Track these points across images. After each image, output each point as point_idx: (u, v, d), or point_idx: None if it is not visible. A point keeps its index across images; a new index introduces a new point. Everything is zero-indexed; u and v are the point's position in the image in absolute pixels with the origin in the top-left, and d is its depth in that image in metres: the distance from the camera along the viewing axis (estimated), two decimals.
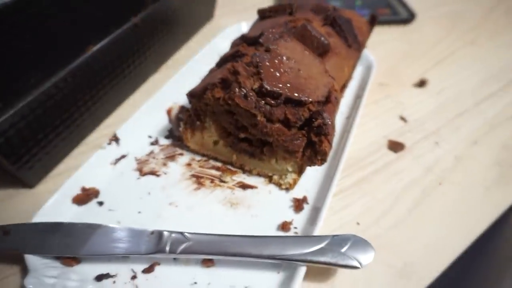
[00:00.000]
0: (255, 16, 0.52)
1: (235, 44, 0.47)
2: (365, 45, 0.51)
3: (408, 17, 0.72)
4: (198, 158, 0.45)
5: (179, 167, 0.44)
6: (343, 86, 0.45)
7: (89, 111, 0.45)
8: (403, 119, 0.53)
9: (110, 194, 0.41)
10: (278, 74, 0.38)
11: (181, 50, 0.64)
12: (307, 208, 0.40)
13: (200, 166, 0.44)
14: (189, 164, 0.45)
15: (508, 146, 0.51)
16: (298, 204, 0.40)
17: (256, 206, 0.40)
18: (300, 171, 0.41)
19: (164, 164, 0.44)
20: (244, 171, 0.44)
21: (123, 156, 0.44)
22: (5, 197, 0.41)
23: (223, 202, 0.41)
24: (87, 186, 0.40)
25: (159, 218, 0.39)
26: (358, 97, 0.53)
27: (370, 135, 0.51)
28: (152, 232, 0.34)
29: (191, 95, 0.40)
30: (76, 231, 0.35)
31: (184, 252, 0.33)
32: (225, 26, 0.63)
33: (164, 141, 0.47)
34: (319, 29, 0.45)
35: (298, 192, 0.42)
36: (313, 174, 0.43)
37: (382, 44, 0.68)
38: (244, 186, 0.42)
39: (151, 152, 0.45)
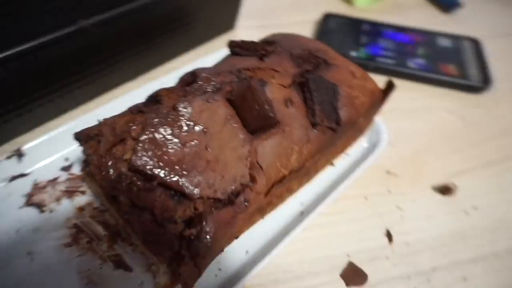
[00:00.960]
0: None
1: (181, 80, 0.37)
2: (354, 123, 0.36)
3: (478, 85, 0.53)
4: (97, 204, 0.38)
5: (69, 209, 0.37)
6: (281, 183, 0.31)
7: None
8: (389, 236, 0.38)
9: None
10: (164, 148, 0.27)
11: (183, 56, 0.56)
12: None
13: (91, 216, 0.36)
14: (81, 209, 0.37)
15: None
16: None
17: None
18: (174, 281, 0.30)
19: (57, 200, 0.37)
20: (130, 244, 0.35)
21: (22, 175, 0.38)
22: None
23: (82, 275, 0.32)
24: None
25: (6, 267, 0.32)
26: (336, 182, 0.39)
27: (329, 246, 0.37)
28: None
29: (77, 136, 0.32)
30: None
31: None
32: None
33: (77, 170, 0.40)
34: (279, 91, 0.33)
35: None
36: None
37: (421, 112, 0.51)
38: (118, 263, 0.33)
39: (55, 179, 0.39)
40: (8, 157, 0.38)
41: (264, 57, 0.36)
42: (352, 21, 0.63)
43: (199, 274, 0.27)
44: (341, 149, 0.40)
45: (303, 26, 0.63)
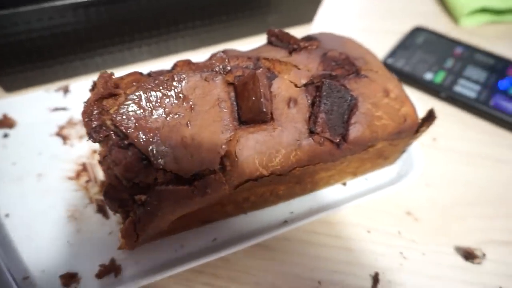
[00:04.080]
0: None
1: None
2: (368, 145, 0.32)
3: None
4: None
5: (85, 148, 0.40)
6: (257, 181, 0.29)
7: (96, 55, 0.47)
8: (375, 280, 0.33)
9: (20, 133, 0.41)
10: (147, 112, 0.28)
11: (252, 38, 0.56)
12: None
13: (99, 160, 0.39)
14: (94, 152, 0.40)
15: None
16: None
17: (80, 238, 0.34)
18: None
19: (80, 138, 0.41)
20: None
21: (62, 109, 0.43)
22: None
23: (70, 207, 0.36)
24: (9, 115, 0.41)
25: (17, 181, 0.37)
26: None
27: (304, 266, 0.34)
28: None
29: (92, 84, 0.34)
30: None
31: None
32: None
33: None
34: (287, 89, 0.30)
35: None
36: None
37: (479, 158, 0.42)
38: (100, 208, 0.36)
39: None
40: (57, 90, 0.43)
41: (293, 52, 0.34)
42: (444, 40, 0.55)
43: (137, 239, 0.27)
44: (353, 170, 0.36)
45: (389, 35, 0.57)
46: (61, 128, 0.42)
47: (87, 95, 0.43)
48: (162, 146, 0.27)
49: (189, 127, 0.28)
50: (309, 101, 0.31)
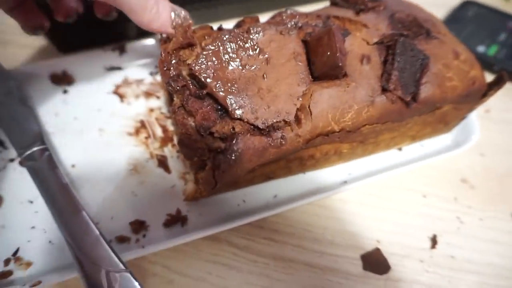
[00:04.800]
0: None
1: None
2: (436, 106, 0.32)
3: None
4: (164, 110, 0.41)
5: (142, 107, 0.41)
6: (327, 137, 0.29)
7: None
8: (434, 241, 0.34)
9: (78, 90, 0.41)
10: (224, 63, 0.28)
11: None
12: None
13: (156, 118, 0.40)
14: (151, 110, 0.41)
15: None
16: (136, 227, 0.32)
17: (144, 190, 0.35)
18: (196, 190, 0.31)
19: (137, 96, 0.42)
20: (177, 151, 0.37)
21: (117, 68, 0.44)
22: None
23: (131, 161, 0.36)
24: (69, 72, 0.42)
25: (80, 134, 0.38)
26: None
27: (361, 225, 0.34)
28: None
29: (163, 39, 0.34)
30: None
31: None
32: None
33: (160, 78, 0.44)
34: (360, 46, 0.30)
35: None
36: None
37: None
38: (161, 163, 0.36)
39: (141, 80, 0.43)
40: (113, 49, 0.44)
41: (361, 12, 0.34)
42: (496, 14, 0.53)
43: (214, 186, 0.28)
44: (414, 134, 0.36)
45: (436, 8, 0.56)
46: (118, 86, 0.42)
47: (141, 56, 0.44)
48: (239, 97, 0.28)
49: (265, 79, 0.28)
50: (381, 59, 0.31)
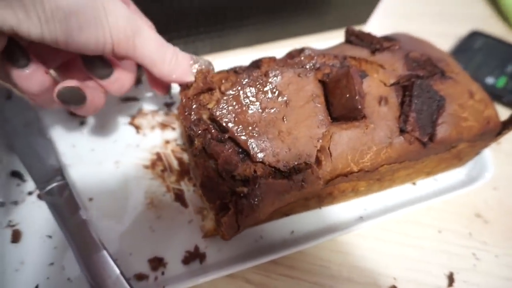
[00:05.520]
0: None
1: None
2: (452, 146, 0.32)
3: None
4: (180, 142, 0.41)
5: (158, 138, 0.41)
6: (346, 177, 0.30)
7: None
8: (451, 279, 0.34)
9: (95, 121, 0.42)
10: (244, 107, 0.29)
11: (306, 38, 0.57)
12: None
13: (172, 151, 0.40)
14: (167, 142, 0.41)
15: None
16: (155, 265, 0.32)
17: (162, 225, 0.35)
18: (216, 229, 0.32)
19: (152, 128, 0.42)
20: (194, 185, 0.38)
21: (133, 99, 0.44)
22: None
23: (148, 195, 0.37)
24: None
25: (97, 166, 0.38)
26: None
27: (378, 262, 0.34)
28: None
29: None
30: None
31: None
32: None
33: (175, 109, 0.44)
34: (377, 87, 0.31)
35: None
36: None
37: None
38: (178, 197, 0.37)
39: (156, 111, 0.44)
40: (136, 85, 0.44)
41: (376, 52, 0.34)
42: (504, 46, 0.54)
43: (237, 230, 0.28)
44: (429, 170, 0.36)
45: (443, 38, 0.57)
46: (133, 117, 0.43)
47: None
48: (260, 140, 0.28)
49: (285, 122, 0.29)
50: (398, 100, 0.31)
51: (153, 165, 0.39)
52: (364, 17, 0.59)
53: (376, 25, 0.60)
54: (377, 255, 0.35)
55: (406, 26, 0.60)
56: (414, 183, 0.39)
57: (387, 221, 0.36)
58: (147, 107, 0.44)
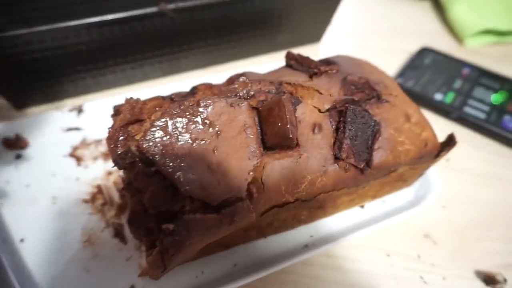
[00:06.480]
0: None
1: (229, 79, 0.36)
2: (391, 170, 0.32)
3: None
4: (121, 173, 0.40)
5: (100, 170, 0.40)
6: (282, 208, 0.29)
7: (109, 72, 0.47)
8: None
9: (33, 154, 0.40)
10: (173, 138, 0.28)
11: (260, 57, 0.57)
12: None
13: (114, 183, 0.39)
14: (109, 173, 0.40)
15: None
16: None
17: (98, 265, 0.33)
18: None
19: (95, 159, 0.41)
20: None
21: (75, 129, 0.43)
22: None
23: (85, 231, 0.35)
24: (22, 136, 0.41)
25: (32, 203, 0.36)
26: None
27: None
28: None
29: (114, 108, 0.34)
30: None
31: None
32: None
33: None
34: (311, 114, 0.30)
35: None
36: None
37: (494, 179, 0.43)
38: (117, 232, 0.35)
39: (99, 141, 0.42)
40: (71, 110, 0.43)
41: (314, 76, 0.34)
42: (451, 61, 0.56)
43: (164, 269, 0.26)
44: (373, 194, 0.36)
45: (395, 55, 0.58)
46: (75, 148, 0.41)
47: (101, 115, 0.43)
48: (189, 173, 0.27)
49: (216, 154, 0.28)
50: (333, 126, 0.31)
51: (93, 199, 0.37)
52: (318, 35, 0.60)
53: (331, 42, 0.61)
54: (324, 283, 0.34)
55: (361, 42, 0.61)
56: (362, 206, 0.38)
57: (333, 247, 0.36)
58: (91, 136, 0.42)
